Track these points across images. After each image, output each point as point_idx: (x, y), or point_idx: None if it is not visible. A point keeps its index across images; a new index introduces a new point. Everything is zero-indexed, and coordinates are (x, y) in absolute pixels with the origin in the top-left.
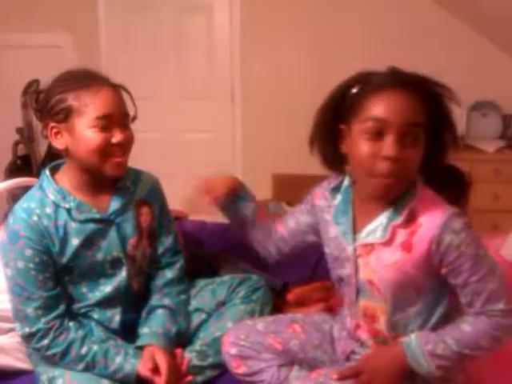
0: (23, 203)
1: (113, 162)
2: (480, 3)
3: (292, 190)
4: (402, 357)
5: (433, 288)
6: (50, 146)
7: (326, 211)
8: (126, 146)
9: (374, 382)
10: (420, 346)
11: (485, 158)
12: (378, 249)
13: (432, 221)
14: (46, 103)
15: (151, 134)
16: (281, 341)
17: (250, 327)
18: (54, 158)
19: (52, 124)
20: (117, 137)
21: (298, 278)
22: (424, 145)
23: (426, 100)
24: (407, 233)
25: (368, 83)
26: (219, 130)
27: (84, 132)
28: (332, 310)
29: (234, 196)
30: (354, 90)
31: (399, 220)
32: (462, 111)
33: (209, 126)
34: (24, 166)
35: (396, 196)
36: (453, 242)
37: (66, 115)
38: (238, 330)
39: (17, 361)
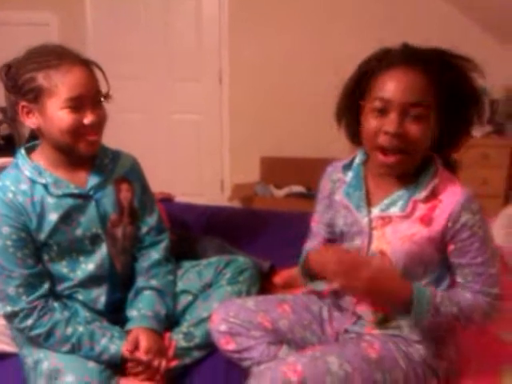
0: None
1: (86, 141)
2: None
3: (280, 172)
4: (408, 293)
5: (438, 265)
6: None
7: (336, 192)
8: (98, 125)
9: (364, 292)
10: (430, 295)
11: (472, 143)
12: (395, 221)
13: (452, 198)
14: (15, 81)
15: (138, 114)
16: (270, 319)
17: (240, 305)
18: (37, 138)
19: (23, 103)
20: (89, 117)
21: (285, 260)
22: (439, 122)
23: (441, 75)
24: (427, 208)
25: (381, 61)
26: (207, 111)
27: (55, 113)
28: (319, 292)
29: None
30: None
31: (421, 195)
32: None
33: (197, 108)
34: (7, 145)
35: (413, 171)
36: (468, 222)
37: (36, 95)
38: (228, 308)
39: (1, 344)
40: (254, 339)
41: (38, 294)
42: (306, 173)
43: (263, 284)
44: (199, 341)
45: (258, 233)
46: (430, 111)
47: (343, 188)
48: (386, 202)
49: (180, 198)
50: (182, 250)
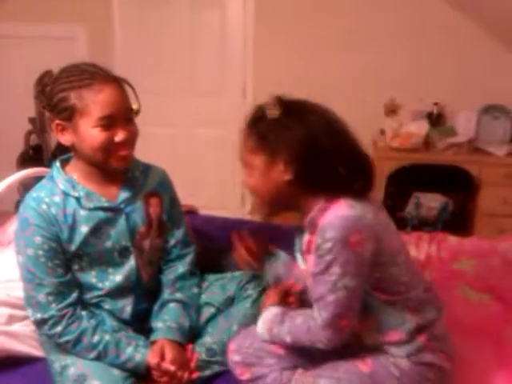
0: (33, 192)
1: (118, 156)
2: (494, 5)
3: None
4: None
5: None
6: None
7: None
8: (129, 141)
9: None
10: (264, 320)
11: (494, 162)
12: (307, 258)
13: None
14: (50, 99)
15: (162, 128)
16: (283, 344)
17: (254, 333)
18: (64, 148)
19: (57, 121)
20: (119, 135)
21: None
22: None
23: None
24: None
25: None
26: (230, 126)
27: (87, 131)
28: None
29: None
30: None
31: (307, 232)
32: (473, 114)
33: (220, 122)
34: (36, 155)
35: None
36: (319, 246)
37: (69, 114)
38: (243, 339)
39: (30, 348)
40: (267, 367)
41: (67, 302)
42: None
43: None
44: (220, 358)
45: (279, 246)
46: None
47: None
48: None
49: (201, 211)
50: (207, 262)
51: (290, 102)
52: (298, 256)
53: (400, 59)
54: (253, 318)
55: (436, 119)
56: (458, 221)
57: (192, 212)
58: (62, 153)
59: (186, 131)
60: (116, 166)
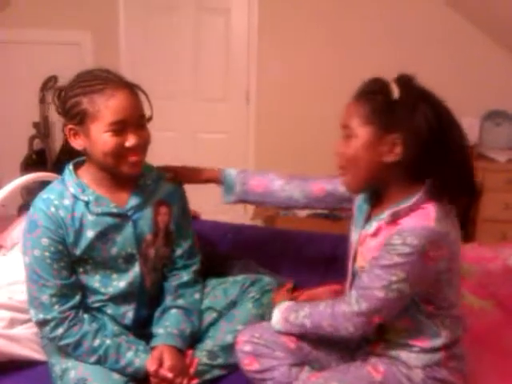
0: (43, 194)
1: (129, 162)
2: (497, 11)
3: None
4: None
5: None
6: (65, 142)
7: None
8: (140, 147)
9: None
10: (281, 309)
11: (497, 168)
12: (368, 240)
13: (404, 224)
14: (63, 104)
15: (166, 132)
16: (295, 339)
17: (265, 325)
18: (69, 153)
19: (70, 126)
20: (130, 141)
21: (309, 279)
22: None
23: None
24: (389, 233)
25: None
26: (233, 131)
27: (99, 136)
28: None
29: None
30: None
31: (384, 218)
32: (476, 120)
33: (223, 127)
34: (39, 160)
35: (399, 197)
36: (394, 242)
37: (81, 119)
38: (253, 329)
39: (31, 351)
40: (277, 360)
41: (69, 304)
42: None
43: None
44: (222, 361)
45: (281, 252)
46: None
47: (358, 200)
48: (371, 221)
49: (203, 216)
50: (209, 268)
51: (418, 86)
52: (359, 223)
53: (402, 64)
54: (256, 318)
55: None
56: (460, 226)
57: (194, 217)
58: (67, 157)
59: (190, 136)
60: (127, 172)
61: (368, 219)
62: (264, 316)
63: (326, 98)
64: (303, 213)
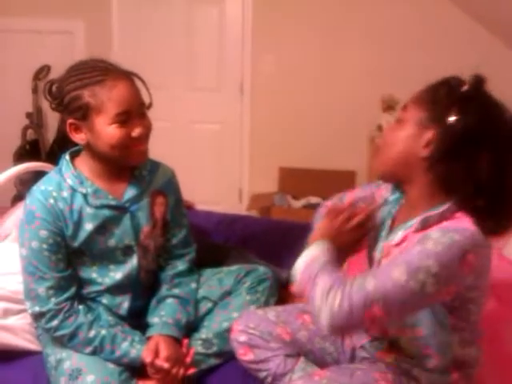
0: (41, 185)
1: (135, 151)
2: (495, 5)
3: (298, 183)
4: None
5: None
6: (58, 132)
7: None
8: (145, 136)
9: None
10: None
11: None
12: (392, 251)
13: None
14: (61, 98)
15: (159, 122)
16: (290, 331)
17: (261, 316)
18: (62, 143)
19: (70, 120)
20: (136, 130)
21: None
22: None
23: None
24: (417, 237)
25: None
26: (227, 121)
27: (104, 129)
28: None
29: None
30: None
31: (412, 227)
32: None
33: (217, 117)
34: (33, 150)
35: (425, 206)
36: (431, 235)
37: (84, 113)
38: (248, 319)
39: (26, 342)
40: (271, 351)
41: (65, 296)
42: (325, 184)
43: (281, 293)
44: (217, 349)
45: (276, 242)
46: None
47: (383, 211)
48: (395, 232)
49: (198, 206)
50: (204, 258)
51: (481, 88)
52: (381, 234)
53: (398, 55)
54: (251, 305)
55: None
56: None
57: (189, 207)
58: (60, 147)
59: (184, 126)
60: (134, 162)
61: (390, 231)
62: (259, 302)
63: (319, 89)
64: (298, 203)
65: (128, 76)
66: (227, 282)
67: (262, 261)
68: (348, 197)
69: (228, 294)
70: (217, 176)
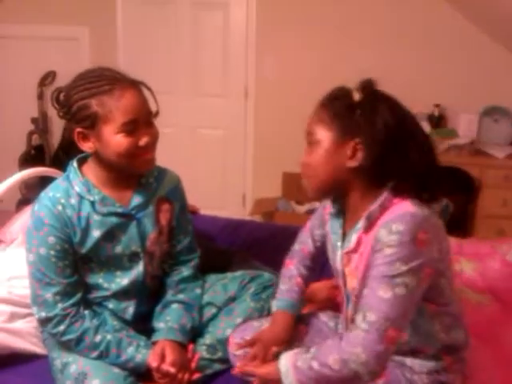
0: (49, 192)
1: (143, 160)
2: (495, 8)
3: (302, 189)
4: (275, 372)
5: None
6: (63, 138)
7: (327, 222)
8: (153, 144)
9: None
10: (287, 357)
11: (495, 164)
12: (352, 257)
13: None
14: (69, 107)
15: (163, 128)
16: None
17: (257, 328)
18: (67, 149)
19: (78, 129)
20: (143, 139)
21: None
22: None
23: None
24: (370, 239)
25: None
26: (232, 126)
27: (111, 138)
28: (339, 307)
29: None
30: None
31: (360, 227)
32: (474, 116)
33: (221, 123)
34: (38, 155)
35: (364, 205)
36: (382, 238)
37: (92, 122)
38: (244, 331)
39: (32, 345)
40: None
41: (71, 301)
42: None
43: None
44: (222, 355)
45: (280, 248)
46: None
47: (329, 221)
48: (348, 237)
49: (202, 211)
50: (208, 263)
51: (376, 89)
52: (337, 244)
53: (401, 61)
54: (255, 312)
55: (437, 121)
56: (458, 222)
57: (193, 212)
58: (65, 153)
59: (188, 131)
60: (141, 170)
61: (343, 238)
62: (263, 310)
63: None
64: (302, 209)
65: (135, 85)
66: (231, 287)
67: (267, 267)
68: (305, 230)
69: (232, 299)
70: (221, 181)
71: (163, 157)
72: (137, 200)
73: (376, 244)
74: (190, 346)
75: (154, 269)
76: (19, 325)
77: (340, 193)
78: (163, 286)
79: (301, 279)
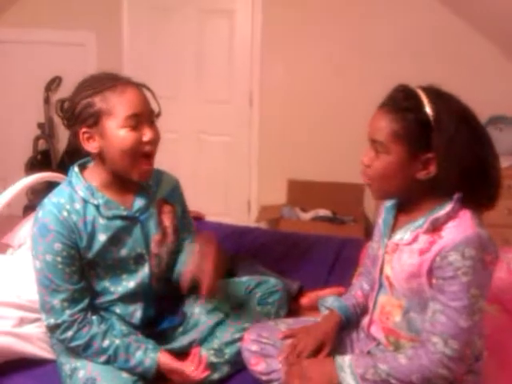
0: (53, 198)
1: (141, 169)
2: (499, 17)
3: (307, 195)
4: (334, 375)
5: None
6: (69, 142)
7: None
8: (155, 143)
9: None
10: (351, 366)
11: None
12: (400, 249)
13: (451, 236)
14: (72, 110)
15: (169, 134)
16: None
17: (273, 327)
18: (73, 154)
19: (83, 130)
20: (148, 134)
21: (314, 281)
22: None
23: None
24: (428, 241)
25: None
26: (236, 133)
27: (116, 132)
28: None
29: None
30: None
31: (423, 227)
32: None
33: (226, 129)
34: (44, 161)
35: (430, 206)
36: (454, 263)
37: (96, 119)
38: (261, 329)
39: (41, 350)
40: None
41: (79, 307)
42: (333, 197)
43: (291, 306)
44: (229, 357)
45: (285, 254)
46: (388, 147)
47: (383, 214)
48: (401, 230)
49: (207, 218)
50: None
51: (447, 102)
52: (386, 232)
53: (403, 69)
54: (262, 317)
55: None
56: None
57: (199, 218)
58: (71, 158)
59: (193, 137)
60: (137, 179)
61: (393, 229)
62: (269, 315)
63: (328, 101)
64: (307, 216)
65: (137, 85)
66: (237, 293)
67: (273, 273)
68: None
69: (239, 305)
70: (226, 187)
71: (168, 162)
72: (139, 203)
73: (447, 266)
74: (197, 349)
75: (161, 270)
76: (28, 329)
77: (403, 196)
78: (169, 288)
79: (361, 293)
